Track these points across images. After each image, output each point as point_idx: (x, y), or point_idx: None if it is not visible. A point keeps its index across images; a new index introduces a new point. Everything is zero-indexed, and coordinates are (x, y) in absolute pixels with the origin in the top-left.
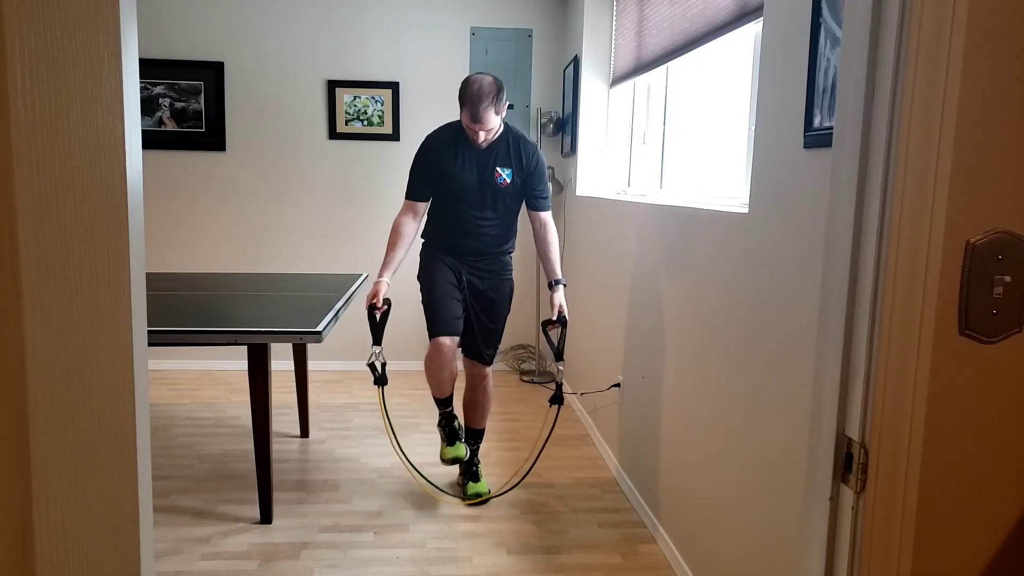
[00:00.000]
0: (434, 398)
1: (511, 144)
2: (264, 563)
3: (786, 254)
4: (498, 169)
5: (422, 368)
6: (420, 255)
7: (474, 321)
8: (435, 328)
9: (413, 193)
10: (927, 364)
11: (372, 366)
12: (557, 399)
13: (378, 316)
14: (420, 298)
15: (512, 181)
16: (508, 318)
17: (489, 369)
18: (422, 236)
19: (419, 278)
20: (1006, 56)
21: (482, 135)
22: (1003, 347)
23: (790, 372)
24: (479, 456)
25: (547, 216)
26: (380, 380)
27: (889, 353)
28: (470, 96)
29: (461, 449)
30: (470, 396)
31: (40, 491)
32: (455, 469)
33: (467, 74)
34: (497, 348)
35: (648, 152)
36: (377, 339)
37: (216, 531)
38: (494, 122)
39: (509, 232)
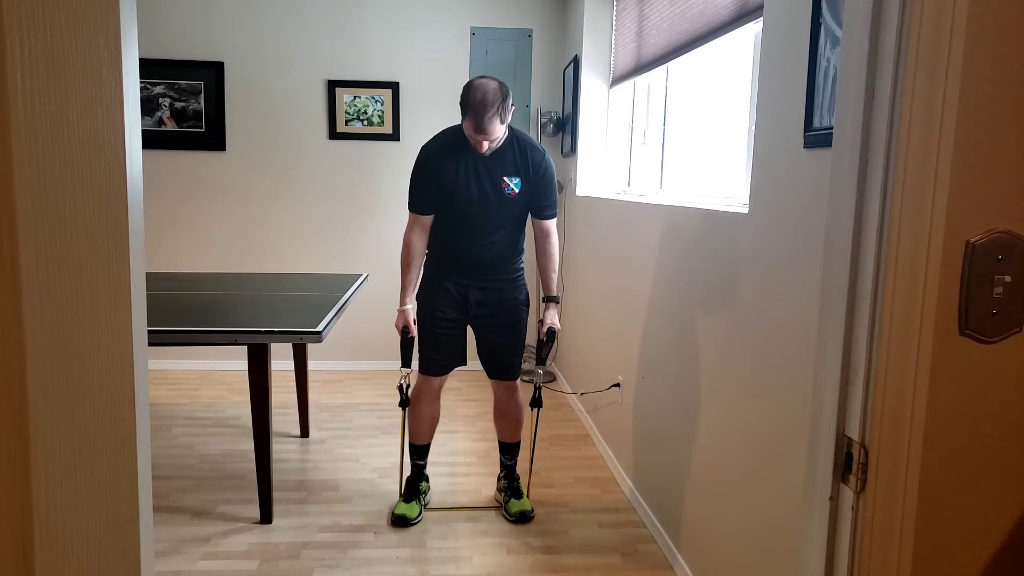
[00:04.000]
0: (410, 446)
1: (518, 151)
2: (264, 563)
3: (786, 254)
4: (505, 179)
5: None
6: (424, 270)
7: (490, 342)
8: (426, 367)
9: (416, 206)
10: (927, 364)
11: (400, 387)
12: (536, 403)
13: (409, 338)
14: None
15: (521, 191)
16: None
17: (517, 382)
18: (427, 249)
19: (417, 298)
20: (1006, 56)
21: (486, 145)
22: (1003, 347)
23: (790, 372)
24: (517, 471)
25: (551, 225)
26: (404, 403)
27: (889, 353)
28: (473, 104)
29: (415, 509)
30: (501, 411)
31: (40, 491)
32: (458, 477)
33: (467, 75)
34: (521, 359)
35: (648, 152)
36: (406, 362)
37: (216, 531)
38: (499, 131)
39: (518, 241)
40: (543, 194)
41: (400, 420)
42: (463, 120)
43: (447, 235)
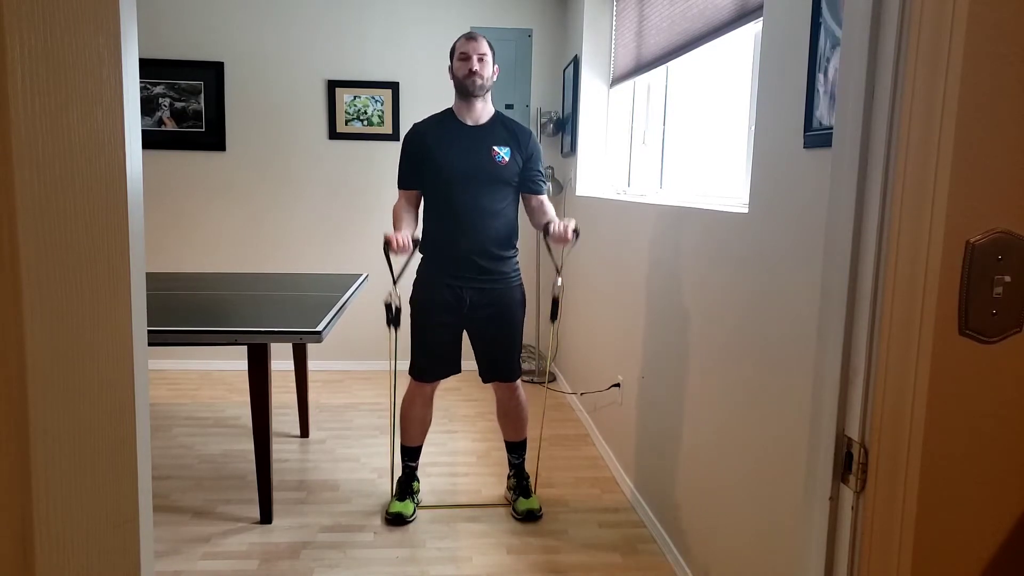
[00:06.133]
0: (402, 448)
1: (504, 127)
2: (264, 563)
3: (786, 254)
4: (495, 148)
5: None
6: (417, 273)
7: (487, 343)
8: (419, 372)
9: (404, 181)
10: (927, 364)
11: (388, 306)
12: (554, 315)
13: (392, 254)
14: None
15: (512, 160)
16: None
17: (518, 380)
18: (420, 251)
19: (411, 302)
20: (1006, 56)
21: (475, 61)
22: (1003, 347)
23: (790, 372)
24: (526, 470)
25: (544, 197)
26: (392, 321)
27: (889, 353)
28: (463, 36)
29: (409, 507)
30: (503, 411)
31: (40, 491)
32: (460, 462)
33: None
34: (519, 359)
35: (648, 152)
36: (395, 276)
37: (216, 531)
38: (488, 53)
39: (512, 227)
40: (535, 166)
41: (389, 343)
42: (454, 56)
43: (440, 217)
